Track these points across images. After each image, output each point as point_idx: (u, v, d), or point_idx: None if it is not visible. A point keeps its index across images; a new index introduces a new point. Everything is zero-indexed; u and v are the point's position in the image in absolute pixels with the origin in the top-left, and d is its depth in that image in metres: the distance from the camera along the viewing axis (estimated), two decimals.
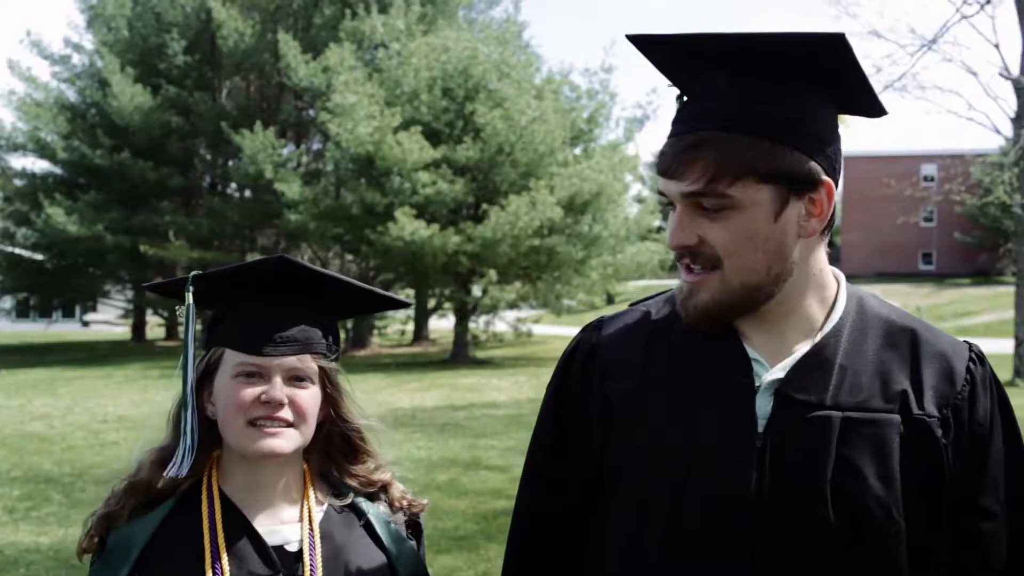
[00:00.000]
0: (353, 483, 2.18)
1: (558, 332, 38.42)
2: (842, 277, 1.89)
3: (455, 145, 27.99)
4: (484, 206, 27.96)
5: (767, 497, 1.71)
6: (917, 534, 1.73)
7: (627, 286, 43.45)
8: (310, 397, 2.05)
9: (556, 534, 1.97)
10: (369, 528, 2.14)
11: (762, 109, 1.71)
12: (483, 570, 7.46)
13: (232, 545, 2.00)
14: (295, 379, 2.03)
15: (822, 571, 1.70)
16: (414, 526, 2.25)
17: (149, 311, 42.30)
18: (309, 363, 2.05)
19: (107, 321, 55.05)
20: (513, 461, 11.95)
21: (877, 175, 61.16)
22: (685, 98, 1.81)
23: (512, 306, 30.88)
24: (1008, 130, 22.85)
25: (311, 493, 2.12)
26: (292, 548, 2.04)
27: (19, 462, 12.53)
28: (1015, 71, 21.68)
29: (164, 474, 2.05)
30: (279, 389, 2.00)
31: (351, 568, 2.06)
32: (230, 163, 38.30)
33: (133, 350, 36.83)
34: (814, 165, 1.74)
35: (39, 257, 39.48)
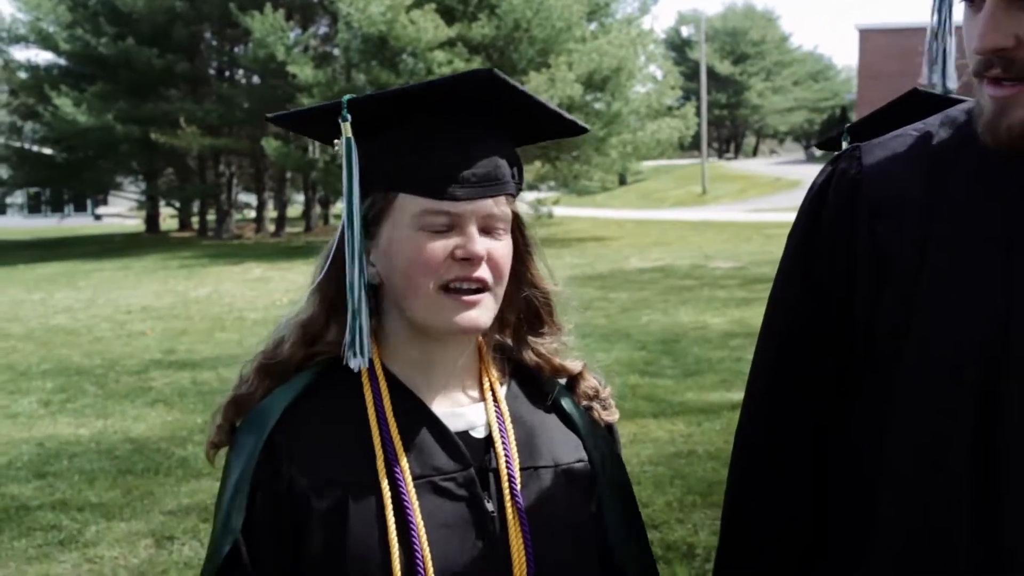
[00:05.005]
0: (548, 361, 1.75)
1: (577, 214, 38.05)
2: None
3: (470, 23, 27.25)
4: None
5: None
6: None
7: (642, 165, 42.95)
8: (506, 250, 1.62)
9: (804, 426, 1.61)
10: (559, 408, 1.73)
11: None
12: None
13: (408, 437, 1.59)
14: (487, 229, 1.59)
15: None
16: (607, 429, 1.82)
17: (162, 202, 41.98)
18: (504, 207, 1.61)
19: (119, 214, 54.94)
20: None
21: (893, 49, 59.82)
22: None
23: (531, 187, 30.43)
24: None
25: (490, 366, 1.70)
26: (478, 434, 1.64)
27: (48, 355, 12.32)
28: None
29: (344, 362, 1.60)
30: (478, 241, 1.56)
31: (549, 456, 1.67)
32: (236, 48, 37.57)
33: (148, 242, 36.59)
34: None
35: (48, 151, 39.05)
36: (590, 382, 1.77)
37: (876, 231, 1.50)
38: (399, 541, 1.53)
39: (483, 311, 1.59)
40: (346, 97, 1.58)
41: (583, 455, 1.70)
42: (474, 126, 1.60)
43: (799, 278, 1.61)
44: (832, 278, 1.55)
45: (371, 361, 1.62)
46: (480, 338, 1.72)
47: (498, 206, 1.60)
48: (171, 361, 11.58)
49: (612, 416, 1.78)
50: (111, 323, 15.04)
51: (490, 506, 1.59)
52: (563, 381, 1.78)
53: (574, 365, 1.77)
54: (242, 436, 1.62)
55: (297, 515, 1.56)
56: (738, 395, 7.90)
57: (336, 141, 1.60)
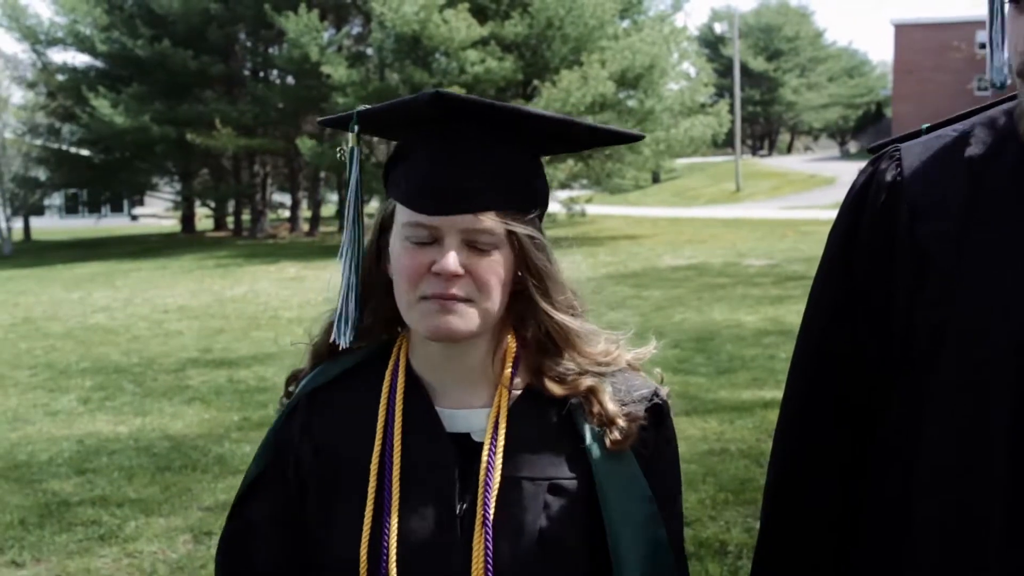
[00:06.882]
0: (550, 384, 1.71)
1: (610, 212, 37.99)
2: None
3: (503, 21, 27.32)
4: (535, 83, 27.36)
5: None
6: None
7: (675, 163, 42.83)
8: (493, 266, 1.60)
9: (842, 423, 1.61)
10: (572, 426, 1.69)
11: None
12: None
13: (408, 430, 1.66)
14: (475, 243, 1.59)
15: None
16: (653, 412, 1.76)
17: (198, 203, 42.29)
18: (492, 223, 1.59)
19: (155, 215, 55.38)
20: None
21: (929, 43, 59.27)
22: None
23: (564, 186, 30.43)
24: None
25: (509, 368, 1.70)
26: (478, 437, 1.66)
27: (87, 353, 12.47)
28: None
29: (330, 340, 1.73)
30: (452, 259, 1.57)
31: (537, 469, 1.65)
32: (271, 49, 37.80)
33: (183, 242, 36.90)
34: None
35: (86, 153, 39.42)
36: (600, 406, 1.69)
37: (915, 232, 1.50)
38: (372, 524, 1.61)
39: (462, 319, 1.60)
40: (357, 108, 1.67)
41: (578, 474, 1.66)
42: (464, 141, 1.62)
43: (839, 278, 1.61)
44: (872, 278, 1.56)
45: (398, 356, 1.73)
46: (511, 336, 1.72)
47: (482, 222, 1.59)
48: (208, 360, 11.70)
49: (619, 446, 1.67)
50: (148, 322, 15.20)
51: (458, 507, 1.62)
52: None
53: (585, 382, 1.70)
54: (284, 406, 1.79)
55: (301, 479, 1.70)
56: (771, 393, 7.89)
57: (340, 150, 1.74)
